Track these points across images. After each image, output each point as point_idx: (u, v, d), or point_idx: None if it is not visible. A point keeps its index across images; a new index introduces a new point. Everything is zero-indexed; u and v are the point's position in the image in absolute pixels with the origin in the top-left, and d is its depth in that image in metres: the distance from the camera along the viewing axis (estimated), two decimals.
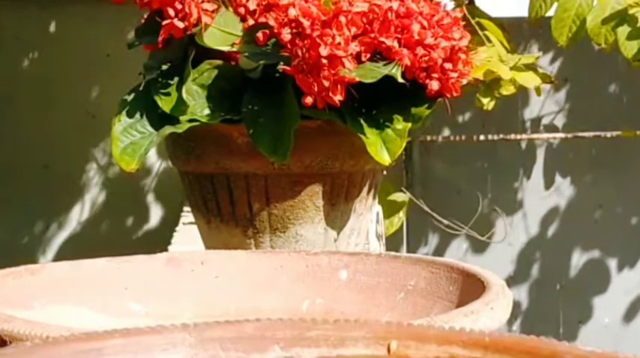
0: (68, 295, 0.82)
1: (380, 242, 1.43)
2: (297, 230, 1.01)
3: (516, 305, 2.38)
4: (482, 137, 2.28)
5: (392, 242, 2.05)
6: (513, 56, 1.88)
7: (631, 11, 1.70)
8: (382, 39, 0.95)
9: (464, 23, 1.00)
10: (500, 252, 2.38)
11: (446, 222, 2.23)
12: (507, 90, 2.01)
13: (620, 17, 1.69)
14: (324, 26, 0.93)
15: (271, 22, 0.98)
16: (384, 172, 1.18)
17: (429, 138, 2.33)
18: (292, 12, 0.94)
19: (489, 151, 2.33)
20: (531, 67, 1.90)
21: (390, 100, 0.98)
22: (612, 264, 2.43)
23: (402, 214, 2.13)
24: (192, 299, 0.86)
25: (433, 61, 0.95)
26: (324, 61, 0.92)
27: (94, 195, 2.30)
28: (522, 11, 1.92)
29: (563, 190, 2.41)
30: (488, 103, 2.03)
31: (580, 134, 2.36)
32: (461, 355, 0.46)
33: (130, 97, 1.01)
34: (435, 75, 0.96)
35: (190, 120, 0.98)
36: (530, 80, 1.87)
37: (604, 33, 1.71)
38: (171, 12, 0.98)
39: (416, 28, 0.95)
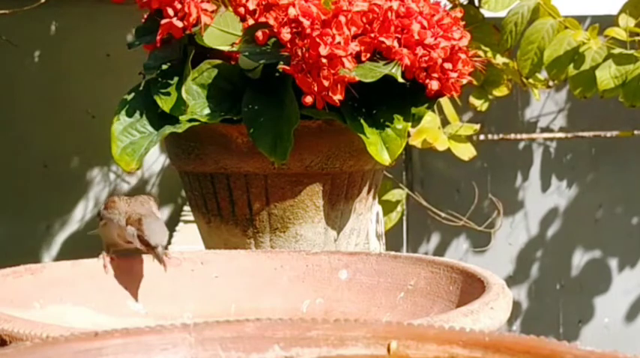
0: (68, 295, 0.82)
1: (380, 242, 1.43)
2: (297, 230, 1.01)
3: (516, 305, 2.38)
4: (482, 137, 2.27)
5: (392, 241, 2.05)
6: (454, 124, 1.92)
7: (582, 49, 1.73)
8: (382, 39, 0.95)
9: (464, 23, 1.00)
10: (501, 252, 2.38)
11: (443, 214, 2.24)
12: (501, 91, 2.02)
13: (570, 57, 1.73)
14: (323, 26, 0.93)
15: (271, 22, 0.98)
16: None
17: None
18: (292, 11, 0.94)
19: (489, 151, 2.33)
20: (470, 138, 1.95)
21: (390, 100, 0.98)
22: (612, 263, 2.43)
23: (399, 209, 2.14)
24: (192, 299, 0.86)
25: (433, 61, 0.95)
26: (324, 60, 0.92)
27: (94, 195, 2.30)
28: None
29: (563, 190, 2.41)
30: (481, 105, 2.03)
31: (580, 134, 2.36)
32: (461, 355, 0.46)
33: (129, 97, 1.01)
34: (435, 75, 0.96)
35: (190, 120, 0.98)
36: (465, 152, 1.91)
37: (556, 71, 1.75)
38: (171, 12, 0.98)
39: (416, 27, 0.95)
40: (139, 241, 0.83)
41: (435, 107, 1.86)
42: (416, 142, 1.89)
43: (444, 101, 1.92)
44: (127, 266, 0.86)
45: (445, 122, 1.95)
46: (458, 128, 1.92)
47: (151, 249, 0.82)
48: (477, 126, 1.95)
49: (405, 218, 2.31)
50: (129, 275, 0.86)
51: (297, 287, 0.87)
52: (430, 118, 1.86)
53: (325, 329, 0.48)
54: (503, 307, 0.72)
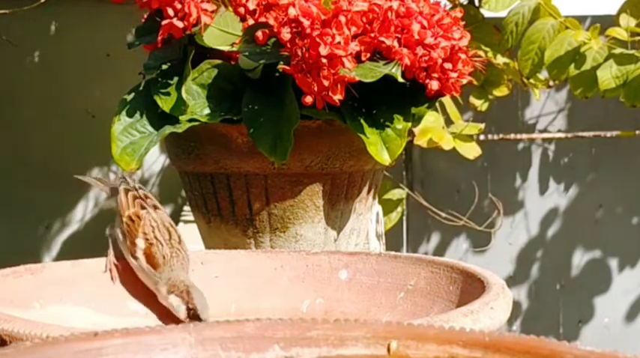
0: (68, 295, 0.82)
1: (380, 242, 1.43)
2: (297, 230, 1.01)
3: (516, 305, 2.38)
4: (482, 137, 2.27)
5: (392, 241, 2.05)
6: (458, 124, 1.92)
7: (583, 49, 1.73)
8: (382, 38, 0.95)
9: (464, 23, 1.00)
10: (501, 252, 2.38)
11: (444, 214, 2.24)
12: (501, 91, 2.02)
13: (571, 57, 1.74)
14: (323, 26, 0.93)
15: (271, 22, 0.98)
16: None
17: None
18: (292, 11, 0.94)
19: (489, 151, 2.33)
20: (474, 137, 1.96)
21: (390, 100, 0.98)
22: (612, 263, 2.43)
23: (399, 209, 2.14)
24: None
25: (433, 61, 0.95)
26: (324, 60, 0.92)
27: (94, 195, 2.30)
28: None
29: (563, 190, 2.41)
30: (481, 105, 2.04)
31: (580, 134, 2.36)
32: (461, 355, 0.46)
33: (129, 97, 1.01)
34: (434, 75, 0.96)
35: (190, 120, 0.98)
36: (471, 151, 1.92)
37: (557, 71, 1.75)
38: (171, 12, 0.98)
39: (416, 27, 0.95)
40: (185, 313, 0.80)
41: (438, 106, 1.86)
42: (421, 142, 1.88)
43: (447, 101, 1.92)
44: (128, 266, 0.86)
45: (448, 122, 1.96)
46: (463, 127, 1.92)
47: (196, 311, 0.80)
48: (482, 126, 1.95)
49: (405, 218, 2.31)
50: (129, 276, 0.86)
51: (297, 287, 0.87)
52: (434, 118, 1.86)
53: (325, 329, 0.48)
54: (503, 307, 0.72)
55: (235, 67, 1.01)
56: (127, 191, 0.87)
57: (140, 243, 0.83)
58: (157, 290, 0.82)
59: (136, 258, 0.83)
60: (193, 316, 0.79)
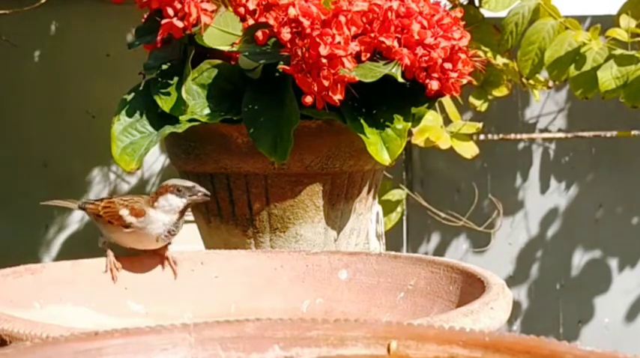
0: (68, 295, 0.82)
1: (380, 241, 1.43)
2: (297, 230, 1.01)
3: (516, 305, 2.38)
4: (482, 137, 2.27)
5: (392, 241, 2.05)
6: (457, 123, 1.92)
7: (583, 50, 1.73)
8: (382, 38, 0.95)
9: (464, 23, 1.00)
10: (500, 252, 2.38)
11: (443, 214, 2.24)
12: (501, 91, 2.02)
13: (571, 57, 1.74)
14: (323, 26, 0.93)
15: (271, 22, 0.98)
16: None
17: None
18: (292, 11, 0.94)
19: (489, 151, 2.33)
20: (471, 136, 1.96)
21: (390, 100, 0.98)
22: (612, 263, 2.43)
23: (399, 209, 2.14)
24: (192, 299, 0.86)
25: (433, 61, 0.95)
26: (324, 60, 0.92)
27: (94, 195, 2.30)
28: None
29: (564, 190, 2.41)
30: (481, 105, 2.04)
31: (580, 134, 2.36)
32: (461, 355, 0.46)
33: (129, 97, 1.01)
34: (435, 75, 0.96)
35: (190, 120, 0.98)
36: (468, 150, 1.92)
37: (557, 72, 1.75)
38: (171, 11, 0.98)
39: (416, 27, 0.95)
40: (179, 196, 0.86)
41: (437, 106, 1.86)
42: (419, 141, 1.89)
43: (446, 100, 1.92)
44: (128, 266, 0.86)
45: (447, 121, 1.96)
46: (460, 126, 1.92)
47: (190, 190, 0.86)
48: (480, 125, 1.95)
49: (405, 218, 2.31)
50: (129, 276, 0.86)
51: (297, 287, 0.87)
52: (432, 117, 1.87)
53: (325, 329, 0.48)
54: (503, 307, 0.72)
55: (235, 67, 1.01)
56: (89, 204, 0.93)
57: (124, 212, 0.88)
58: (156, 239, 0.87)
59: (129, 225, 0.87)
60: (183, 190, 0.86)
